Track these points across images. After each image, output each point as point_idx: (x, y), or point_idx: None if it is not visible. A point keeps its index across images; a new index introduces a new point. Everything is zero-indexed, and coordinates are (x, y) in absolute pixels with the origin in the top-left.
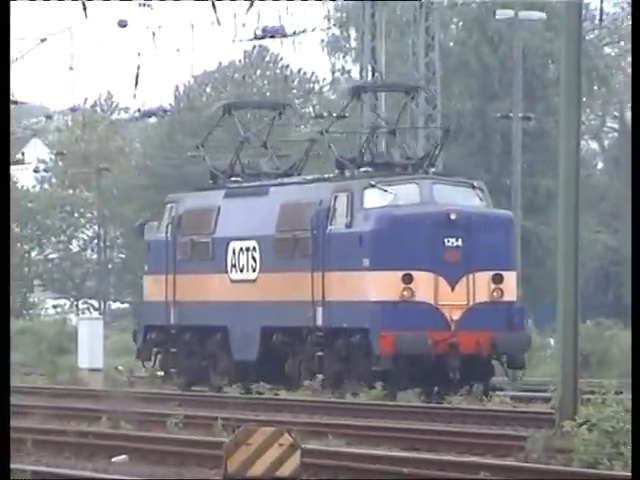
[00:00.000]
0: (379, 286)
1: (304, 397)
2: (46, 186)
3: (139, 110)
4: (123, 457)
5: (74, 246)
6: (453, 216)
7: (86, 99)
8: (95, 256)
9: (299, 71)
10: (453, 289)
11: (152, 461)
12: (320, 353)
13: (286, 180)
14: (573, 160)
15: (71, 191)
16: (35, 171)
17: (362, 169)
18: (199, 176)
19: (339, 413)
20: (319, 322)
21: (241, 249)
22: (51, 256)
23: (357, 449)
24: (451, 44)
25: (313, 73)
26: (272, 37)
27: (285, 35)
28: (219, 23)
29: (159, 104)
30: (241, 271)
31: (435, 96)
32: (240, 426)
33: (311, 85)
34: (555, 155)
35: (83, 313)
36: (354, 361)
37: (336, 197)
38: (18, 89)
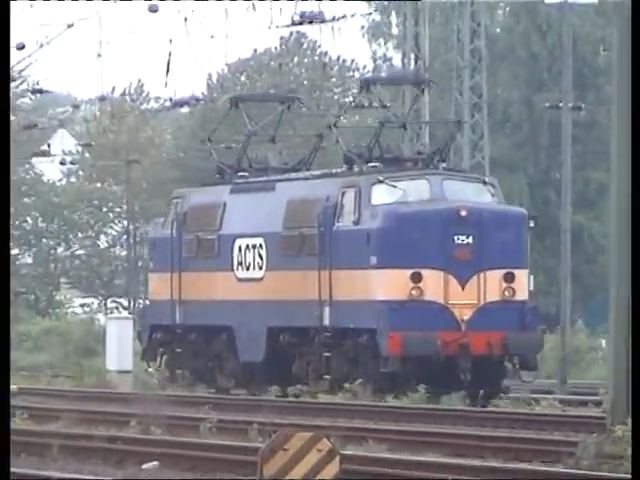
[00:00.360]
0: (387, 285)
1: (343, 400)
2: (73, 179)
3: (170, 99)
4: (154, 463)
5: (102, 242)
6: (463, 213)
7: (113, 88)
8: (124, 252)
9: (338, 58)
10: (463, 288)
11: (184, 467)
12: (327, 354)
13: (293, 175)
14: (625, 152)
15: (99, 184)
16: (61, 163)
17: (370, 164)
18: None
19: (379, 417)
20: (326, 322)
21: (247, 246)
22: (78, 252)
23: (398, 455)
24: (498, 30)
25: (353, 61)
26: (310, 23)
27: (324, 21)
28: (254, 8)
29: (191, 93)
30: (247, 269)
31: (480, 85)
32: (276, 431)
33: (351, 73)
34: (607, 147)
35: (112, 312)
36: (362, 362)
37: (343, 193)
38: (44, 77)
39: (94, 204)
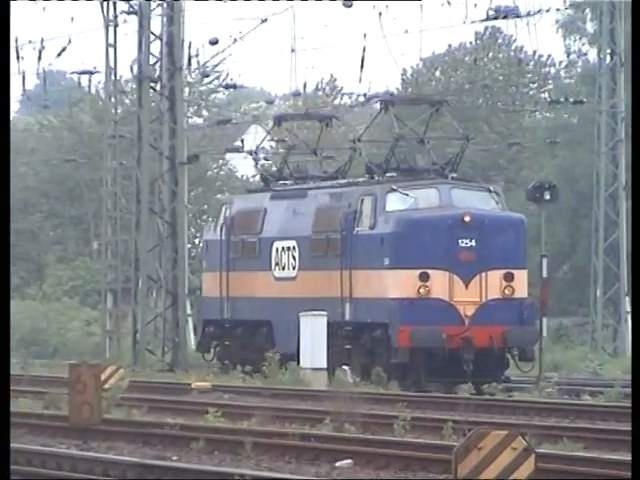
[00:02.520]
0: (398, 284)
1: (538, 399)
2: None
3: (364, 95)
4: (347, 461)
5: None
6: (467, 218)
7: (305, 83)
8: None
9: (534, 54)
10: (467, 286)
11: (377, 465)
12: (348, 346)
13: (322, 184)
14: None
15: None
16: (255, 160)
17: (388, 174)
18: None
19: (575, 415)
20: (347, 317)
21: (283, 248)
22: None
23: (594, 454)
24: None
25: (549, 56)
26: (505, 18)
27: (519, 15)
28: (449, 3)
29: (385, 88)
30: (283, 269)
31: None
32: (471, 429)
33: (546, 69)
34: None
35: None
36: (377, 354)
37: (362, 201)
38: (237, 72)
39: None
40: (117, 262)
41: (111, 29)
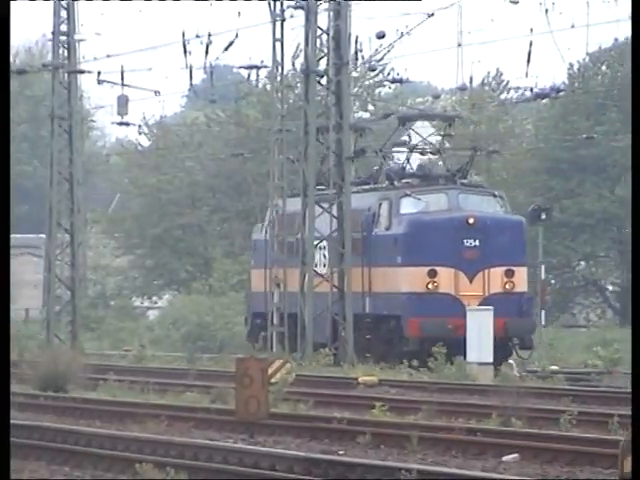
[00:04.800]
0: (409, 280)
1: None
2: None
3: (531, 90)
4: (514, 456)
5: None
6: (471, 221)
7: (471, 77)
8: None
9: None
10: (471, 282)
11: (544, 460)
12: (368, 336)
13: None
14: None
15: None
16: (421, 154)
17: (404, 180)
18: (594, 160)
19: None
20: (367, 310)
21: (317, 248)
22: None
23: None
24: None
25: None
26: None
27: None
28: None
29: (552, 83)
30: (316, 266)
31: None
32: None
33: None
34: None
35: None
36: (392, 343)
37: (380, 204)
38: (403, 66)
39: None
40: (284, 256)
41: (278, 24)
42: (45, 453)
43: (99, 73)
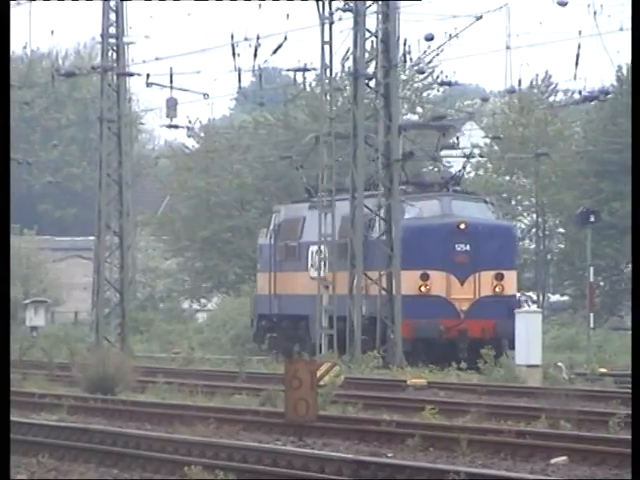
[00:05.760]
0: (402, 282)
1: None
2: (481, 172)
3: (580, 92)
4: (563, 458)
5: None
6: (462, 226)
7: (520, 80)
8: (533, 246)
9: None
10: (462, 285)
11: (592, 462)
12: (364, 337)
13: (346, 196)
14: None
15: (508, 177)
16: (468, 158)
17: (400, 187)
18: None
19: None
20: (364, 312)
21: (316, 251)
22: None
23: None
24: None
25: None
26: None
27: None
28: None
29: (601, 85)
30: (316, 270)
31: None
32: None
33: None
34: None
35: (529, 306)
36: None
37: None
38: (452, 69)
39: (503, 197)
40: (332, 258)
41: (326, 26)
42: (94, 455)
43: (148, 76)
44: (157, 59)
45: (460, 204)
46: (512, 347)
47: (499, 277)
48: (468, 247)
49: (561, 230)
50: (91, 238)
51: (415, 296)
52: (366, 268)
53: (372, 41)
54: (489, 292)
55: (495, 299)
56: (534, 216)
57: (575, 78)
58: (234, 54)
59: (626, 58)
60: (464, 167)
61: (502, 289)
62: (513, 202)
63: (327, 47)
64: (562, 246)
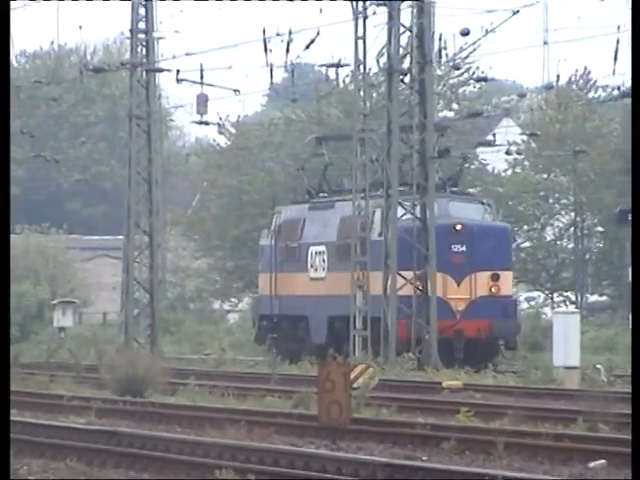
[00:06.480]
0: (399, 283)
1: None
2: (518, 170)
3: (618, 88)
4: (601, 462)
5: (548, 234)
6: (458, 227)
7: (558, 76)
8: (571, 245)
9: None
10: (459, 285)
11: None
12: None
13: (346, 197)
14: None
15: (545, 175)
16: (507, 153)
17: (398, 188)
18: None
19: None
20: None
21: (316, 252)
22: (523, 245)
23: None
24: None
25: None
26: None
27: None
28: None
29: None
30: (316, 270)
31: None
32: None
33: None
34: None
35: (558, 306)
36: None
37: (374, 212)
38: (488, 65)
39: (540, 195)
40: (366, 258)
41: (360, 21)
42: (123, 459)
43: (178, 71)
44: (187, 54)
45: (457, 205)
46: (508, 347)
47: (495, 277)
48: (464, 248)
49: (600, 229)
50: (120, 237)
51: (412, 296)
52: (366, 268)
53: (407, 36)
54: (485, 292)
55: (491, 299)
56: (572, 215)
57: (614, 74)
58: (266, 49)
59: None
60: (461, 168)
61: (498, 289)
62: (550, 200)
63: (361, 42)
64: (601, 245)
